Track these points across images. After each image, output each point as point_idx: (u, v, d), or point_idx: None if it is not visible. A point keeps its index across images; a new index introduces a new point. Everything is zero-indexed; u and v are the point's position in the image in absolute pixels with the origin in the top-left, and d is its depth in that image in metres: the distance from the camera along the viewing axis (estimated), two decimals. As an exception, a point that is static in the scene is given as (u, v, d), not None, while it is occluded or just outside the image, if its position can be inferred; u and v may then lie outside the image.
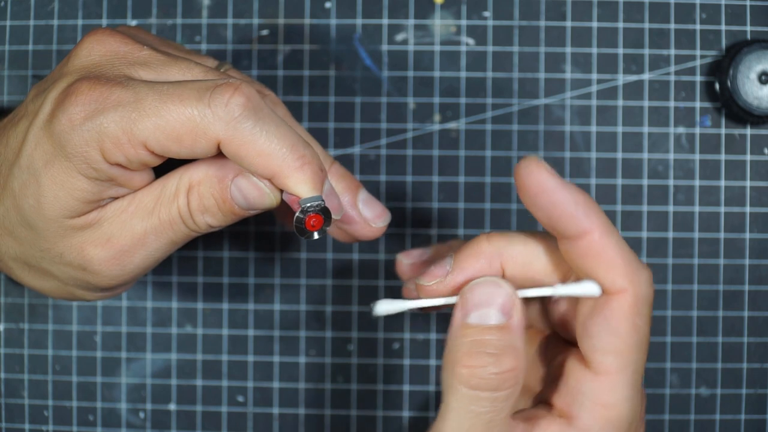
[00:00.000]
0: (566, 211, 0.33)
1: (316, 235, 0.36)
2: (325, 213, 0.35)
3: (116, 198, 0.37)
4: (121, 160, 0.35)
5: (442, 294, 0.36)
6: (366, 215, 0.40)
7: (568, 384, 0.35)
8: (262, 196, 0.36)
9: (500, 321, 0.33)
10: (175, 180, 0.37)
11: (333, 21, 0.50)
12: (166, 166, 0.37)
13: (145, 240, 0.37)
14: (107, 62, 0.36)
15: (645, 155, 0.49)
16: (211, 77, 0.36)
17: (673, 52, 0.49)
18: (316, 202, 0.35)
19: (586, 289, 0.34)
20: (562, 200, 0.33)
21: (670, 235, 0.49)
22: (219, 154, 0.36)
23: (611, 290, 0.33)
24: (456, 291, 0.35)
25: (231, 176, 0.36)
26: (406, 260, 0.42)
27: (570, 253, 0.34)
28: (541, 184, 0.33)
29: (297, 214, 0.35)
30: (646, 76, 0.49)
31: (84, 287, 0.39)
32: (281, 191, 0.36)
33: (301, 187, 0.35)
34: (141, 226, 0.37)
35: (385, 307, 0.35)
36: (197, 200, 0.36)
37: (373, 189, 0.50)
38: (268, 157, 0.34)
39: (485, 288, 0.34)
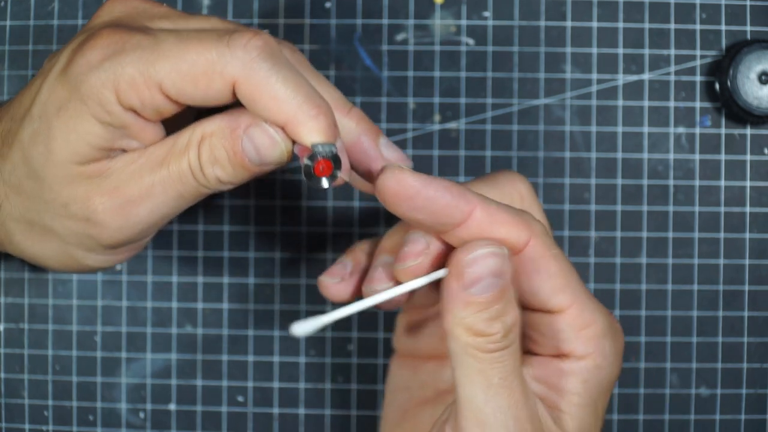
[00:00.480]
0: (444, 201, 0.33)
1: (324, 183, 0.35)
2: (335, 161, 0.35)
3: (127, 151, 0.37)
4: (135, 103, 0.35)
5: (426, 270, 0.35)
6: (388, 156, 0.39)
7: (543, 333, 0.36)
8: (273, 146, 0.35)
9: (499, 285, 0.33)
10: (188, 133, 0.36)
11: (333, 21, 0.50)
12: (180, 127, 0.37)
13: (152, 191, 0.36)
14: (128, 17, 0.37)
15: (645, 155, 0.49)
16: (230, 27, 0.37)
17: (673, 52, 0.49)
18: (328, 148, 0.34)
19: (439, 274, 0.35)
20: (435, 194, 0.33)
21: (670, 235, 0.49)
22: (233, 108, 0.36)
23: (519, 245, 0.34)
24: (439, 261, 0.35)
25: (243, 127, 0.35)
26: (332, 280, 0.39)
27: (461, 236, 0.34)
28: (411, 186, 0.33)
29: (306, 159, 0.35)
30: (646, 76, 0.49)
31: (86, 247, 0.38)
32: (293, 143, 0.36)
33: (315, 136, 0.35)
34: (149, 177, 0.36)
35: (302, 327, 0.34)
36: (208, 151, 0.36)
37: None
38: (283, 101, 0.34)
39: (483, 258, 0.33)
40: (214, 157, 0.36)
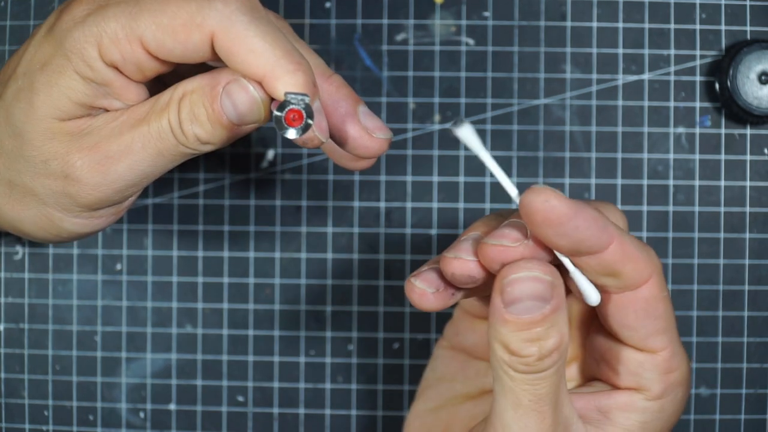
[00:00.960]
0: (590, 232, 0.32)
1: (293, 133, 0.34)
2: (307, 111, 0.34)
3: (109, 111, 0.37)
4: (116, 58, 0.35)
5: (511, 258, 0.33)
6: (366, 125, 0.38)
7: (628, 367, 0.36)
8: (251, 102, 0.35)
9: (541, 310, 0.32)
10: (170, 92, 0.36)
11: (333, 21, 0.50)
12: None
13: (131, 147, 0.36)
14: None
15: (645, 155, 0.49)
16: None
17: (673, 52, 0.49)
18: (300, 97, 0.34)
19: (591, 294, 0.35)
20: (583, 224, 0.32)
21: (670, 235, 0.49)
22: (214, 69, 0.36)
23: (640, 282, 0.34)
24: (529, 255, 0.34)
25: (223, 83, 0.35)
26: (429, 289, 0.36)
27: (591, 264, 0.34)
28: (564, 215, 0.32)
29: (276, 110, 0.34)
30: (646, 76, 0.49)
31: (64, 207, 0.38)
32: (270, 100, 0.35)
33: (291, 89, 0.34)
34: (129, 134, 0.36)
35: (468, 131, 0.32)
36: (188, 108, 0.36)
37: (373, 188, 0.50)
38: (260, 55, 0.34)
39: (524, 281, 0.33)
40: (194, 114, 0.36)
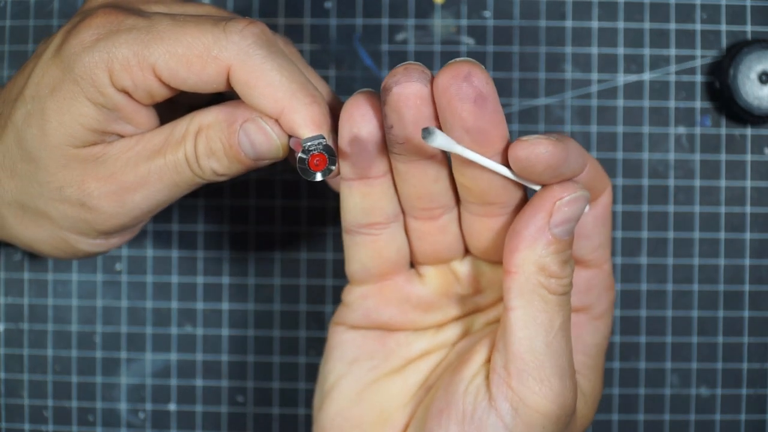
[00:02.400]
0: (580, 161, 0.34)
1: (319, 176, 0.34)
2: (328, 151, 0.34)
3: (122, 137, 0.37)
4: (128, 84, 0.35)
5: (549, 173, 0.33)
6: None
7: (578, 285, 0.37)
8: (269, 142, 0.35)
9: (573, 231, 0.34)
10: (185, 123, 0.36)
11: (333, 21, 0.50)
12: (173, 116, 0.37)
13: (148, 179, 0.36)
14: (124, 1, 0.37)
15: (645, 155, 0.49)
16: (225, 14, 0.37)
17: (673, 52, 0.49)
18: (317, 141, 0.34)
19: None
20: (574, 157, 0.34)
21: (671, 235, 0.49)
22: (229, 101, 0.36)
23: (602, 191, 0.36)
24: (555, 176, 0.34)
25: (240, 121, 0.35)
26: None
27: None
28: (561, 156, 0.33)
29: (300, 153, 0.34)
30: (646, 76, 0.49)
31: (79, 231, 0.38)
32: (288, 138, 0.35)
33: (309, 126, 0.34)
34: (145, 165, 0.36)
35: (441, 139, 0.31)
36: (205, 143, 0.36)
37: (373, 189, 0.50)
38: (277, 88, 0.34)
39: (578, 200, 0.33)
40: (210, 149, 0.36)
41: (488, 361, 0.35)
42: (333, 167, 0.34)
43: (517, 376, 0.33)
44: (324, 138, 0.34)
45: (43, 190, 0.37)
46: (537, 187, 0.34)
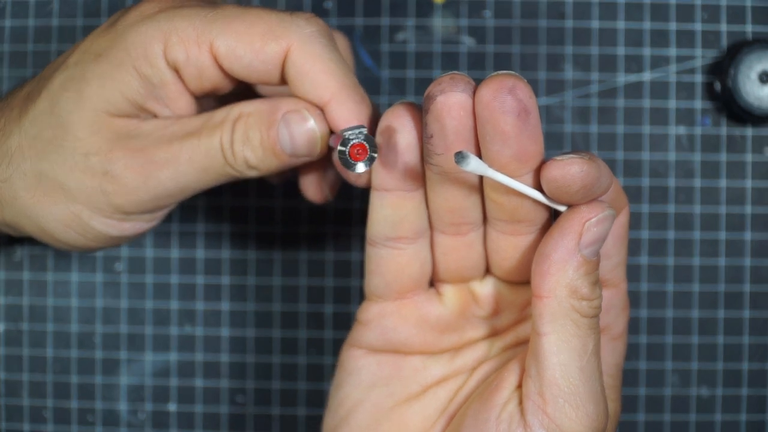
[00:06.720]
0: (608, 180, 0.34)
1: (361, 166, 0.33)
2: (369, 141, 0.33)
3: (158, 117, 0.36)
4: (181, 57, 0.35)
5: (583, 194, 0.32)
6: None
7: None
8: (308, 134, 0.35)
9: (598, 253, 0.33)
10: (225, 110, 0.36)
11: (333, 21, 0.50)
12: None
13: (178, 158, 0.35)
14: None
15: (645, 155, 0.49)
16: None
17: (673, 52, 0.49)
18: (359, 130, 0.33)
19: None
20: (605, 177, 0.33)
21: (671, 235, 0.49)
22: (272, 97, 0.36)
23: (620, 210, 0.36)
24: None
25: (283, 111, 0.35)
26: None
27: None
28: (594, 176, 0.32)
29: (340, 146, 0.33)
30: (646, 76, 0.49)
31: (95, 205, 0.36)
32: (329, 133, 0.35)
33: (353, 122, 0.35)
34: (178, 144, 0.36)
35: (475, 164, 0.31)
36: (242, 130, 0.35)
37: (373, 189, 0.50)
38: (331, 77, 0.34)
39: (606, 220, 0.33)
40: (247, 136, 0.35)
41: (519, 387, 0.34)
42: (375, 155, 0.33)
43: (552, 402, 0.32)
44: (365, 127, 0.34)
45: (67, 158, 0.36)
46: (563, 208, 0.33)
